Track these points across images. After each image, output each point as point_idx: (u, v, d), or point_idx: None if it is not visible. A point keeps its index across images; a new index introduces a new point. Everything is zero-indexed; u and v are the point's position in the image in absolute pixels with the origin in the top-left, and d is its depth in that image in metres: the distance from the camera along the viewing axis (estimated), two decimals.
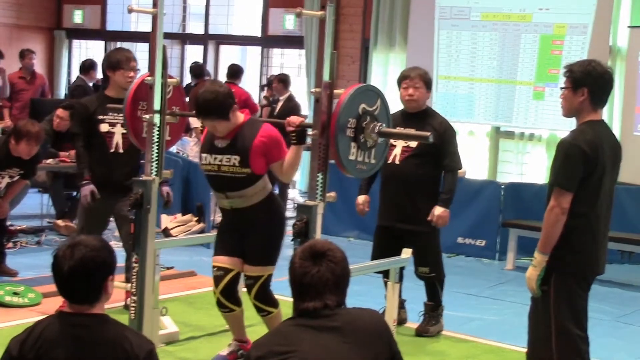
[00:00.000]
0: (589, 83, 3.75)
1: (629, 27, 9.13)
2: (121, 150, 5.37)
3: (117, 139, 5.36)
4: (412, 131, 5.06)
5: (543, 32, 9.40)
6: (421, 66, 5.67)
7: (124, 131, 5.29)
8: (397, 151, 5.35)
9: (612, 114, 9.28)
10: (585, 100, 3.77)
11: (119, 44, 13.75)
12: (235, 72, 9.68)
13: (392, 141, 5.15)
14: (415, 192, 5.33)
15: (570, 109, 3.85)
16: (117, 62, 5.34)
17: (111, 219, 5.69)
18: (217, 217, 8.78)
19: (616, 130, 9.20)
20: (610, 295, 6.99)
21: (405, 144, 5.36)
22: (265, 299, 4.59)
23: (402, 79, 5.43)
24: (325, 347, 2.55)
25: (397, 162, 5.34)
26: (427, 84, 5.40)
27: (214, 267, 4.67)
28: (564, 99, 3.86)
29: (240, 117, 4.53)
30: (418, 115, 5.36)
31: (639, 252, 7.59)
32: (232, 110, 4.41)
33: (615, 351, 5.49)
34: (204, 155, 4.59)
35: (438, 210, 5.29)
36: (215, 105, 4.35)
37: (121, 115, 5.28)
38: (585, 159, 3.70)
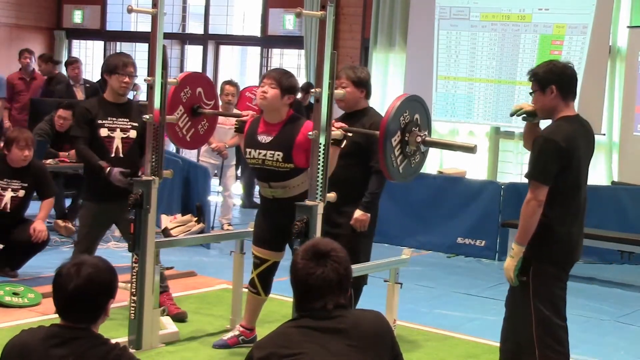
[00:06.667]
0: (554, 80, 3.92)
1: (628, 27, 9.13)
2: (121, 155, 5.36)
3: (117, 143, 5.37)
4: (456, 141, 4.96)
5: (542, 32, 9.40)
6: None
7: (123, 135, 5.37)
8: None
9: (612, 114, 9.28)
10: (555, 97, 3.92)
11: (118, 44, 13.77)
12: None
13: None
14: (341, 194, 4.70)
15: (544, 109, 3.98)
16: (114, 66, 5.36)
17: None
18: (217, 218, 8.78)
19: (616, 130, 9.20)
20: (610, 295, 6.99)
21: None
22: None
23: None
24: (330, 350, 2.51)
25: None
26: (356, 83, 5.05)
27: (253, 254, 4.95)
28: (535, 102, 4.01)
29: (285, 112, 4.74)
30: (353, 115, 5.06)
31: (639, 252, 7.58)
32: (289, 95, 4.70)
33: (615, 351, 5.49)
34: (248, 150, 4.78)
35: (357, 213, 5.01)
36: (290, 80, 4.70)
37: (119, 119, 5.37)
38: (560, 154, 3.82)
